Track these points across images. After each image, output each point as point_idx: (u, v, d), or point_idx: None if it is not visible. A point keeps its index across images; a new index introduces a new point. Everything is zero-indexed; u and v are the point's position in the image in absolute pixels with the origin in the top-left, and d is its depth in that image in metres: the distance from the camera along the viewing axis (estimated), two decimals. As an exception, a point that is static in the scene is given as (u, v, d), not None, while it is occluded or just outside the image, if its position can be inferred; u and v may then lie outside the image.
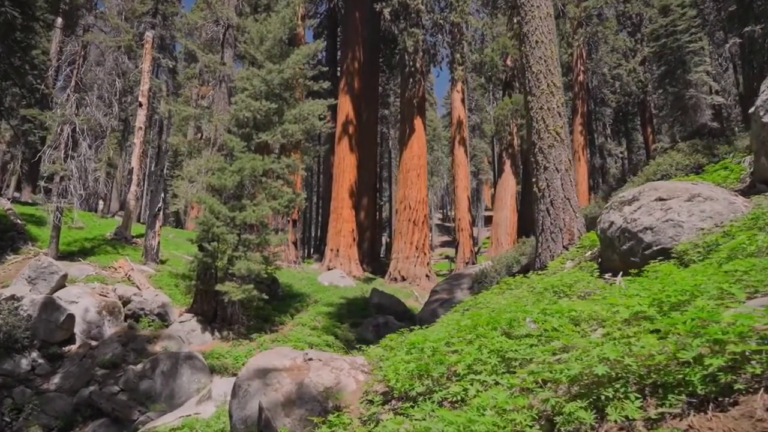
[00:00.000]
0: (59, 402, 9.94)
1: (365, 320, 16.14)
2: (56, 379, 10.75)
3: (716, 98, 26.36)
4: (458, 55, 27.01)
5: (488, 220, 67.91)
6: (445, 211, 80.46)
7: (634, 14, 38.96)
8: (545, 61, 6.83)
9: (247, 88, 14.85)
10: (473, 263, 29.73)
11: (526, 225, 31.23)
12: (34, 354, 11.24)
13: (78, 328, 12.30)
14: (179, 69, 44.55)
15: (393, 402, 2.79)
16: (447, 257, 46.48)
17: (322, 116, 16.30)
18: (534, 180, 6.74)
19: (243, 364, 11.97)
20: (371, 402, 2.93)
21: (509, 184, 29.19)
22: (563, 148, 6.60)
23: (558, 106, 6.78)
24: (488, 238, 57.63)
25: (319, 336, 14.18)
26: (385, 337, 4.15)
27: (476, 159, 65.60)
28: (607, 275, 4.40)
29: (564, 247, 6.28)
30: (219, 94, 15.67)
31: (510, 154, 29.86)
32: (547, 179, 6.51)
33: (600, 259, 5.17)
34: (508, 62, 29.90)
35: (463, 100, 33.62)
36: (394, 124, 59.69)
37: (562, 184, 6.43)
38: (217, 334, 13.61)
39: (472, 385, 2.34)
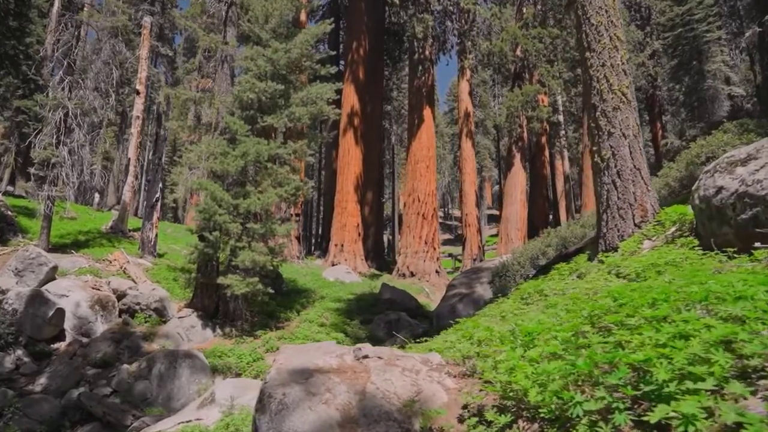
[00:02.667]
0: (45, 405, 8.96)
1: (376, 317, 15.21)
2: (42, 380, 9.77)
3: (735, 89, 25.45)
4: (469, 43, 26.02)
5: (491, 218, 67.18)
6: (446, 209, 79.57)
7: (644, 6, 38.08)
8: (606, 11, 5.88)
9: (251, 68, 13.89)
10: (481, 260, 28.77)
11: (536, 221, 30.30)
12: (19, 351, 10.26)
13: (68, 324, 11.32)
14: (178, 64, 43.51)
15: (522, 423, 1.83)
16: (450, 255, 45.56)
17: (330, 101, 15.38)
18: (595, 149, 5.78)
19: (248, 364, 11.02)
20: (485, 423, 1.96)
21: (519, 178, 28.21)
22: (630, 110, 5.65)
23: (623, 63, 5.82)
24: (492, 235, 56.88)
25: (328, 333, 13.29)
26: (457, 328, 3.22)
27: (479, 156, 64.76)
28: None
29: (635, 225, 5.33)
30: (221, 75, 14.71)
31: (520, 148, 28.88)
32: (612, 147, 5.55)
33: (697, 235, 4.25)
34: (518, 52, 28.94)
35: (470, 92, 32.69)
36: (397, 119, 58.79)
37: (630, 152, 5.48)
38: (218, 330, 12.65)
39: (715, 401, 1.40)
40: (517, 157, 28.53)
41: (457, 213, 76.19)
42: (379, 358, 2.59)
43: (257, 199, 12.49)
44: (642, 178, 5.46)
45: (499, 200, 68.39)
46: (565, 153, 48.19)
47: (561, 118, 42.47)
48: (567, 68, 36.57)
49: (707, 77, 25.97)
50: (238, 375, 10.43)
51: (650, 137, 43.66)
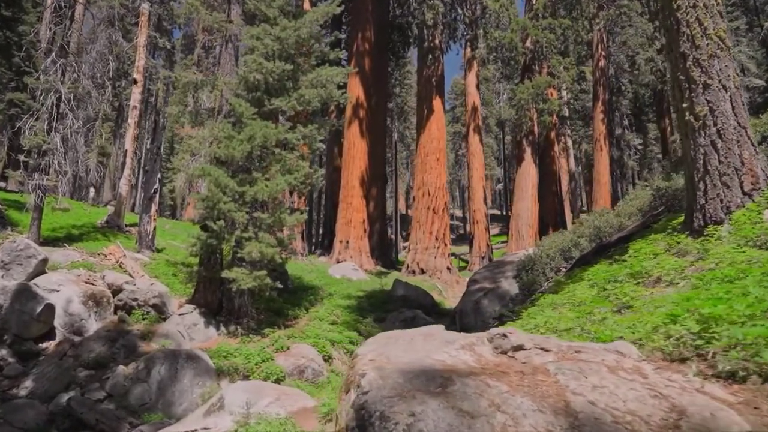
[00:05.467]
0: (30, 411, 7.97)
1: (389, 315, 14.29)
2: (28, 382, 8.78)
3: (754, 80, 24.58)
4: (480, 31, 25.09)
5: (494, 218, 66.31)
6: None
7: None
8: (695, -57, 4.99)
9: (257, 47, 12.94)
10: (490, 258, 27.82)
11: (546, 218, 29.37)
12: (3, 351, 9.27)
13: (58, 321, 10.33)
14: (177, 59, 42.56)
15: None
16: (454, 254, 44.55)
17: (338, 85, 14.48)
18: (686, 105, 4.83)
19: (256, 365, 10.02)
20: None
21: (530, 173, 27.25)
22: (729, 58, 4.72)
23: (717, 3, 4.90)
24: (495, 235, 55.99)
25: (341, 332, 12.37)
26: (581, 311, 2.26)
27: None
28: None
29: (744, 193, 4.41)
30: (225, 56, 13.76)
31: (530, 142, 27.95)
32: (709, 101, 4.61)
33: None
34: (528, 44, 28.08)
35: (478, 86, 31.83)
36: (399, 116, 57.94)
37: (733, 107, 4.55)
38: (222, 328, 11.67)
39: None
40: (528, 151, 27.60)
41: (458, 212, 75.22)
42: (542, 350, 1.63)
43: (264, 186, 11.53)
44: (749, 137, 4.54)
45: (504, 198, 67.45)
46: (571, 151, 47.38)
47: (566, 112, 41.64)
48: (574, 63, 35.73)
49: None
50: (246, 377, 9.46)
51: (658, 135, 42.83)
